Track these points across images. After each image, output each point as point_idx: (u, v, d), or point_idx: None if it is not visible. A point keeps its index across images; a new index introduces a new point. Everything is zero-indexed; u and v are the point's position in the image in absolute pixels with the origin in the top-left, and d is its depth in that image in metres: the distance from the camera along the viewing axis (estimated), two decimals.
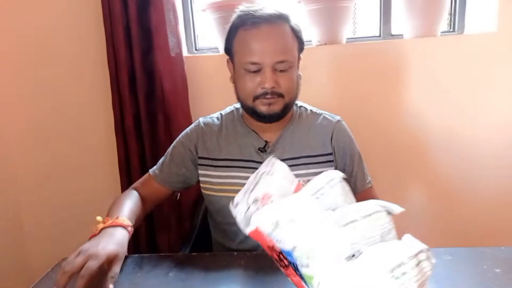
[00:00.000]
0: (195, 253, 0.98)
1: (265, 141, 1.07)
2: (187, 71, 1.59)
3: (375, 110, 1.63)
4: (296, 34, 1.01)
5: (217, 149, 1.09)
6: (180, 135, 1.16)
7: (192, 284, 0.82)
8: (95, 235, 0.91)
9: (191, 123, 1.57)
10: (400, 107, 1.63)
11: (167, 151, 1.16)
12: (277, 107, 1.00)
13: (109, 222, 0.94)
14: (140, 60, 1.54)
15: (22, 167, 1.78)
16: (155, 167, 1.16)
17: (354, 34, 1.85)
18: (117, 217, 0.97)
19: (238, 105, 1.15)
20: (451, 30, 1.73)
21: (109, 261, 0.82)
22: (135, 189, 1.14)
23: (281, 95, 0.99)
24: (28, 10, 1.65)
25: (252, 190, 0.64)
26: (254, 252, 0.93)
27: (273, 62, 0.96)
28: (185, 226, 1.60)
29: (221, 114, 1.17)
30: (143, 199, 1.12)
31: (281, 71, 0.98)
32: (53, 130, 1.74)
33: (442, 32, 1.65)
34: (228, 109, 1.17)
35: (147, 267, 0.91)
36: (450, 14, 1.73)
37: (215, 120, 1.15)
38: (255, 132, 1.09)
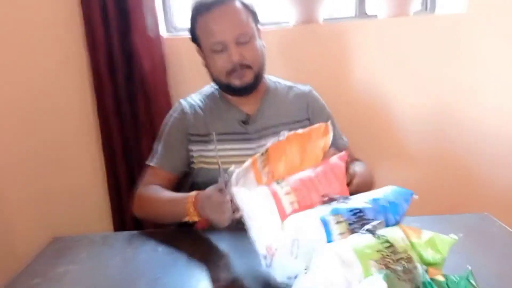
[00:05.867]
0: (182, 229, 1.03)
1: (246, 114, 1.15)
2: (166, 51, 1.60)
3: (351, 89, 1.69)
4: (248, 8, 1.10)
5: (203, 125, 1.14)
6: (168, 121, 1.19)
7: (180, 258, 0.86)
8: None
9: (170, 103, 1.61)
10: (374, 86, 1.69)
11: (158, 141, 1.18)
12: (248, 78, 1.08)
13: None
14: (118, 41, 1.54)
15: (4, 156, 1.75)
16: (154, 159, 1.15)
17: (331, 14, 1.88)
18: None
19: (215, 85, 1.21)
20: (424, 9, 1.79)
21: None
22: (149, 184, 1.12)
23: (249, 67, 1.08)
24: None
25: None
26: (239, 225, 0.98)
27: (233, 36, 1.05)
28: None
29: (200, 94, 1.23)
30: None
31: (244, 43, 1.06)
32: (34, 115, 1.71)
33: (415, 12, 1.70)
34: (206, 88, 1.24)
35: (136, 243, 0.95)
36: None
37: (196, 99, 1.21)
38: (235, 106, 1.16)
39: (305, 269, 0.61)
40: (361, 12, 1.75)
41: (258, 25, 1.14)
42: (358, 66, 1.67)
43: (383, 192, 0.74)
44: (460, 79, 1.67)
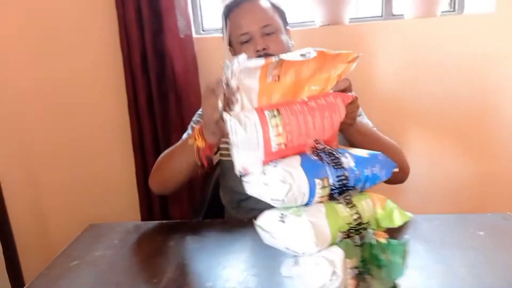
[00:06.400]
0: (208, 220, 1.08)
1: None
2: (196, 52, 1.66)
3: (377, 90, 1.70)
4: (275, 6, 1.16)
5: None
6: (199, 111, 1.23)
7: (206, 246, 0.91)
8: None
9: (201, 103, 1.66)
10: (401, 87, 1.69)
11: (188, 128, 1.22)
12: None
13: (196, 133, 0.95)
14: (151, 41, 1.61)
15: (41, 148, 1.87)
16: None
17: (357, 14, 1.90)
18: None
19: None
20: (452, 9, 1.78)
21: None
22: None
23: None
24: None
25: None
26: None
27: (259, 27, 1.10)
28: (195, 198, 1.70)
29: None
30: None
31: (269, 34, 1.11)
32: (69, 111, 1.82)
33: (442, 12, 1.70)
34: None
35: (165, 231, 1.01)
36: None
37: None
38: None
39: (281, 217, 0.65)
40: (388, 12, 1.76)
41: (287, 27, 1.18)
42: (384, 66, 1.68)
43: (370, 160, 0.71)
44: (488, 80, 1.65)
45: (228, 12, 1.16)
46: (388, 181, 1.03)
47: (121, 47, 1.65)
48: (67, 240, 0.98)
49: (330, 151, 0.69)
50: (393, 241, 0.67)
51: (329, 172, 0.66)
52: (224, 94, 0.73)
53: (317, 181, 0.65)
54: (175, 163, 1.04)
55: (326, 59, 0.77)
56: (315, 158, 0.68)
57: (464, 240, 0.87)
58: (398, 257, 0.66)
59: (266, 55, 1.09)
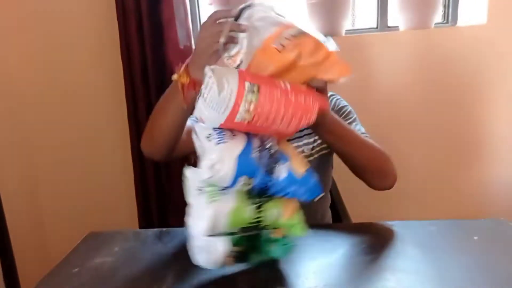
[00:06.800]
0: None
1: None
2: None
3: (372, 101, 1.73)
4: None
5: None
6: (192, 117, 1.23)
7: None
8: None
9: None
10: (395, 98, 1.72)
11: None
12: None
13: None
14: (152, 52, 1.63)
15: (41, 157, 1.90)
16: None
17: (353, 26, 1.94)
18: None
19: None
20: (445, 21, 1.82)
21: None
22: None
23: None
24: (44, 7, 1.75)
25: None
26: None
27: None
28: None
29: None
30: None
31: None
32: (69, 120, 1.85)
33: (436, 24, 1.74)
34: None
35: (165, 238, 1.01)
36: (444, 6, 1.82)
37: None
38: None
39: (199, 189, 0.70)
40: (383, 24, 1.80)
41: None
42: (379, 78, 1.71)
43: (300, 181, 0.71)
44: (481, 89, 1.69)
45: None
46: (374, 187, 1.05)
47: (122, 59, 1.67)
48: (65, 249, 0.99)
49: (273, 154, 0.70)
50: (283, 239, 0.75)
51: (258, 176, 0.68)
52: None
53: (242, 178, 0.68)
54: (161, 111, 1.00)
55: (327, 60, 0.79)
56: (256, 154, 0.69)
57: (459, 245, 0.88)
58: (280, 250, 0.76)
59: None
